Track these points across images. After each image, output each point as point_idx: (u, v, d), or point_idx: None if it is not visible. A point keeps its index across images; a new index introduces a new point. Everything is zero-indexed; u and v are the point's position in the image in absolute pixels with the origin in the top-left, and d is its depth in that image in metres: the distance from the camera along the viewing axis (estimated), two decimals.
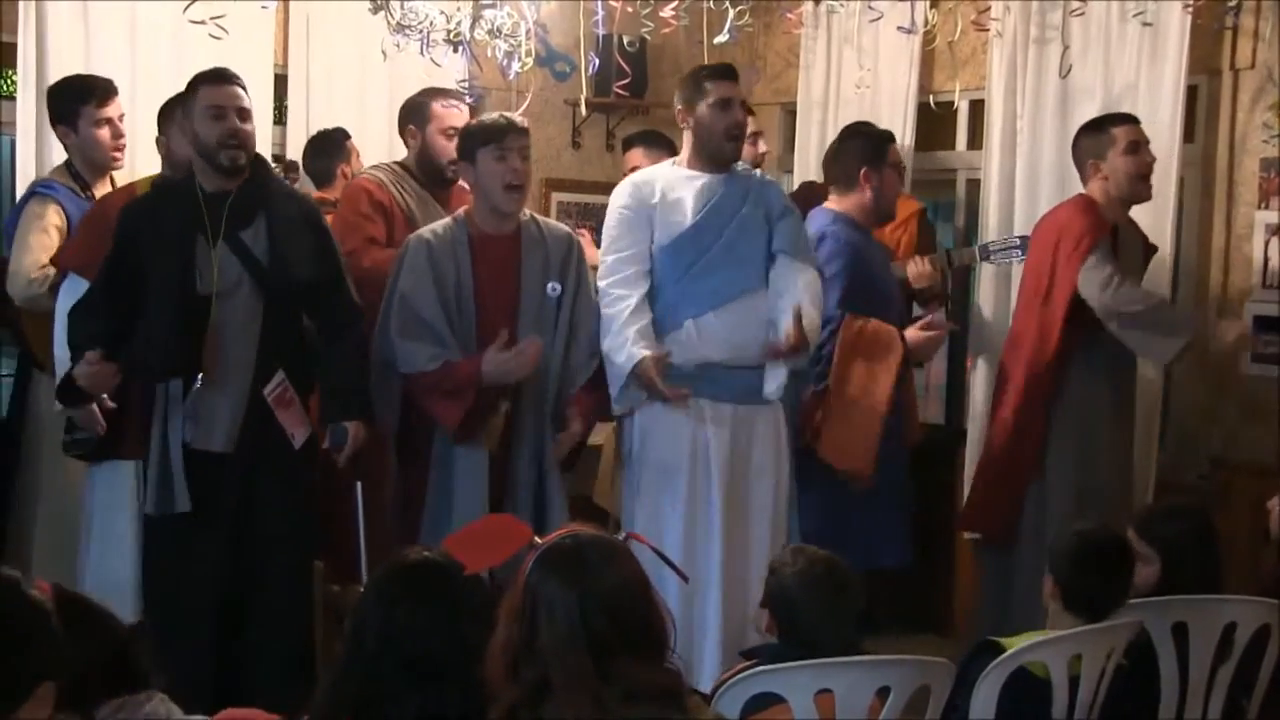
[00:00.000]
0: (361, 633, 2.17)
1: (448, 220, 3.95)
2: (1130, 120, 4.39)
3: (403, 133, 4.52)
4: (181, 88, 4.21)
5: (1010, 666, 2.78)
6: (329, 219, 4.11)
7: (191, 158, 3.80)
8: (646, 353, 3.87)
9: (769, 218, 4.11)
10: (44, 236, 4.21)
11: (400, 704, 2.09)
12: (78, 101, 4.28)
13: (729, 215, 4.07)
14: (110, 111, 4.30)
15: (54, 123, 4.36)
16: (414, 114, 4.46)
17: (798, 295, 4.01)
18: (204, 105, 3.66)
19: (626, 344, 3.89)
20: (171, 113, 4.16)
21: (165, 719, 1.92)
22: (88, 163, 4.32)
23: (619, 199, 4.11)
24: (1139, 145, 4.30)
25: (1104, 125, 4.38)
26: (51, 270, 4.17)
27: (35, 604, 1.81)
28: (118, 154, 4.34)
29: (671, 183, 4.08)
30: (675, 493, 3.98)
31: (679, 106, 4.13)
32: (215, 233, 3.64)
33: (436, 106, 4.41)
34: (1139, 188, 4.32)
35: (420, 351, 3.77)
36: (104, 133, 4.29)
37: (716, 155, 4.07)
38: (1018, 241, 4.71)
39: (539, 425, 3.88)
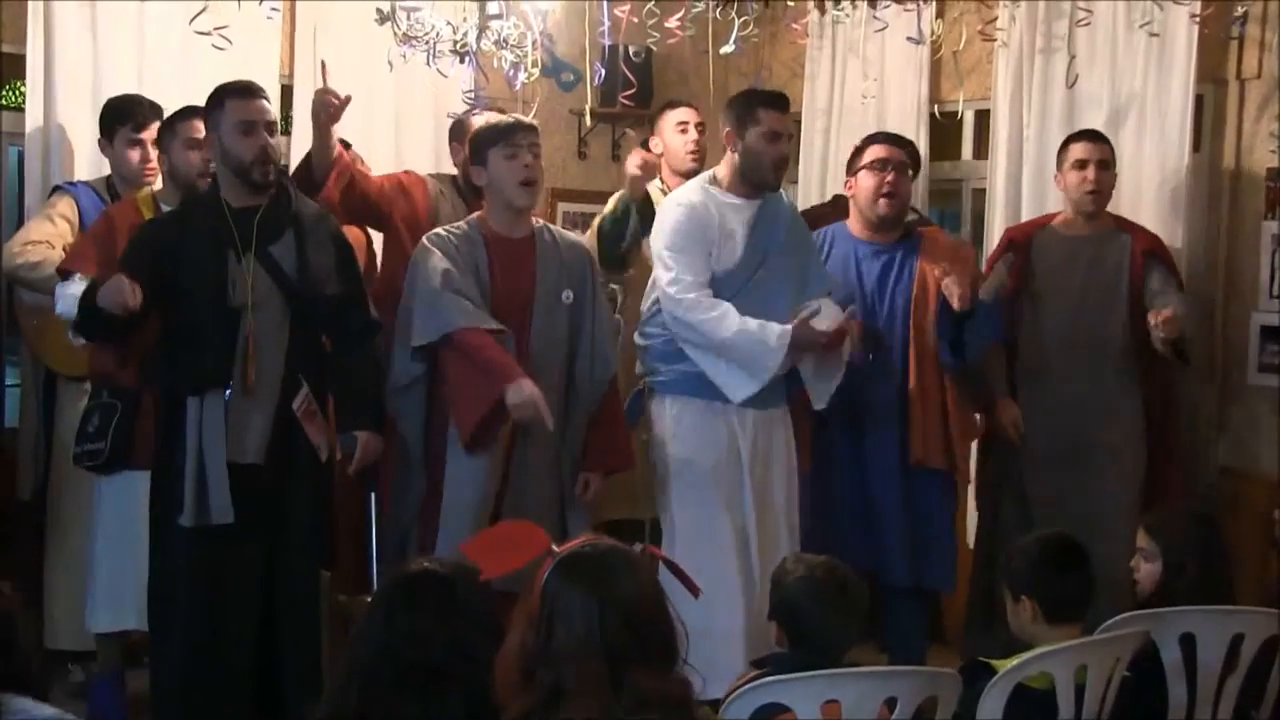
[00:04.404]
0: (363, 641, 2.17)
1: (460, 223, 3.95)
2: (1088, 138, 4.48)
3: (452, 149, 4.62)
4: (189, 98, 4.26)
5: (1014, 680, 2.77)
6: None
7: (191, 173, 4.07)
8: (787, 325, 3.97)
9: (797, 250, 4.21)
10: (46, 223, 4.30)
11: (400, 711, 2.09)
12: (116, 121, 4.39)
13: (764, 248, 4.12)
14: (145, 135, 4.36)
15: (100, 135, 4.47)
16: (456, 131, 4.56)
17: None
18: (234, 120, 3.64)
19: (763, 327, 3.96)
20: (170, 130, 4.22)
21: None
22: (120, 178, 4.42)
23: (680, 217, 4.05)
24: (1085, 163, 4.42)
25: (1068, 140, 4.53)
26: (34, 248, 4.22)
27: None
28: (148, 174, 4.38)
29: (723, 213, 4.07)
30: (716, 492, 4.03)
31: (726, 128, 4.12)
32: (245, 247, 3.64)
33: (473, 120, 4.49)
34: (1082, 201, 4.46)
35: (465, 308, 3.72)
36: (134, 154, 4.36)
37: (760, 183, 4.10)
38: None
39: (552, 439, 3.86)
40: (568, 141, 5.99)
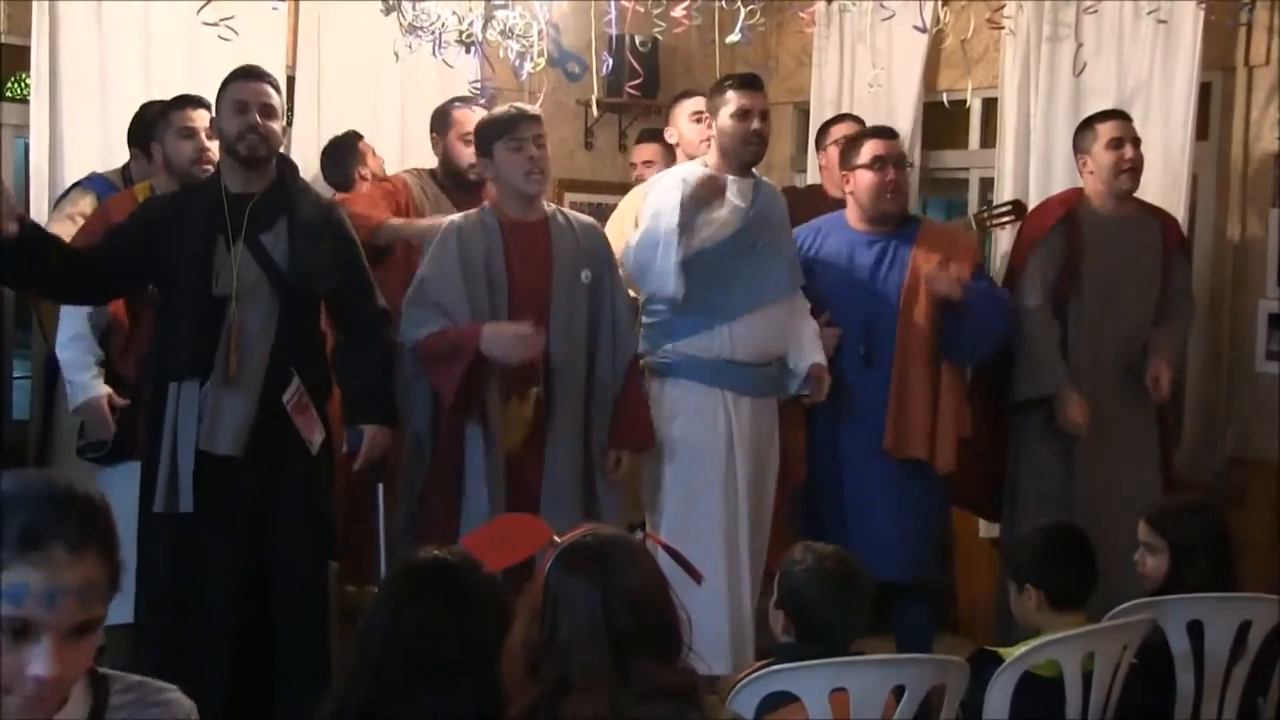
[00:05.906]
0: (371, 632, 2.17)
1: (475, 209, 3.95)
2: (1117, 116, 4.42)
3: (432, 139, 4.70)
4: (193, 89, 4.25)
5: (1022, 668, 2.77)
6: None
7: (185, 162, 4.05)
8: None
9: (789, 241, 4.27)
10: (67, 223, 4.24)
11: (409, 704, 2.09)
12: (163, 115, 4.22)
13: (765, 222, 4.16)
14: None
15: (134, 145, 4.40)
16: (437, 121, 4.66)
17: (811, 341, 4.21)
18: (230, 100, 3.66)
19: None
20: (165, 119, 4.15)
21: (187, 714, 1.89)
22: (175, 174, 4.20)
23: (671, 184, 4.13)
24: (1121, 141, 4.35)
25: (1092, 121, 4.44)
26: None
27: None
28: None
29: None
30: (710, 476, 4.03)
31: (706, 114, 4.27)
32: (236, 234, 3.62)
33: (456, 112, 4.59)
34: (1120, 181, 4.36)
35: (426, 320, 3.76)
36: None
37: (737, 160, 4.15)
38: (1009, 206, 4.83)
39: (577, 420, 3.87)
40: (574, 132, 5.99)
